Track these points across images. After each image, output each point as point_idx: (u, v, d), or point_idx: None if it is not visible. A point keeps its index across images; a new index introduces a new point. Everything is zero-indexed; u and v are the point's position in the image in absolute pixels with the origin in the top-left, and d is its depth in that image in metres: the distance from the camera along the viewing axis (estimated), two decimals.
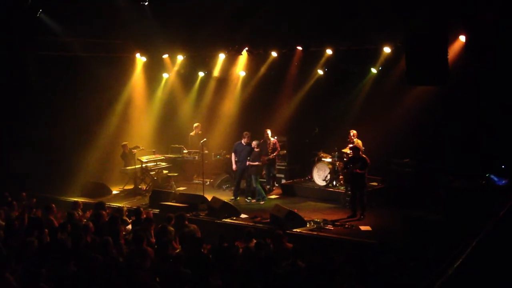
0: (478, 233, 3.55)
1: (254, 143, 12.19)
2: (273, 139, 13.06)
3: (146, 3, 12.31)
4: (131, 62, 14.82)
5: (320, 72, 13.41)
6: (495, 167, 9.98)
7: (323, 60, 12.93)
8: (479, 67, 10.36)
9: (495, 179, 9.63)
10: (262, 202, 12.07)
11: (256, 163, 12.16)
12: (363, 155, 10.81)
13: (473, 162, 10.50)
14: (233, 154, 12.53)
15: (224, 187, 13.86)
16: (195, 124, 14.52)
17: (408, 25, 9.03)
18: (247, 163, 12.15)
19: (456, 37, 10.23)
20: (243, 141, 12.30)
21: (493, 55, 9.92)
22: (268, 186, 13.24)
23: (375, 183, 12.34)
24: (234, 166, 12.54)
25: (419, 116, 11.75)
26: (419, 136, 11.80)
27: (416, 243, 7.95)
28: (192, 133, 14.50)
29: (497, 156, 10.28)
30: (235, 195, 12.43)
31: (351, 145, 11.91)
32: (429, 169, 11.46)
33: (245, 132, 12.40)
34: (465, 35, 10.15)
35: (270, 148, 12.94)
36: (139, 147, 13.85)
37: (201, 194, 12.10)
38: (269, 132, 13.03)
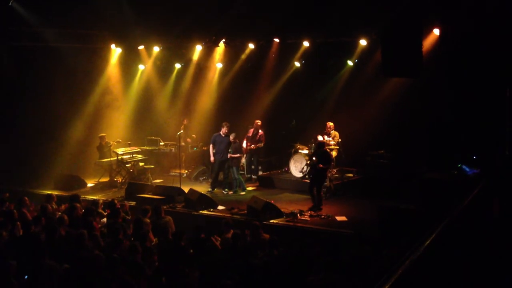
0: (444, 221, 3.66)
1: (232, 136, 12.16)
2: (260, 131, 13.10)
3: None
4: (106, 53, 14.60)
5: (297, 64, 13.45)
6: (467, 157, 10.22)
7: (300, 52, 12.97)
8: (452, 59, 10.57)
9: (467, 169, 9.86)
10: (242, 193, 12.08)
11: (238, 155, 12.16)
12: (327, 149, 10.88)
13: (446, 152, 10.72)
14: (211, 146, 12.46)
15: (201, 179, 13.83)
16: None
17: (384, 18, 9.13)
18: (229, 155, 12.10)
19: (430, 30, 10.38)
20: (221, 132, 12.25)
21: (466, 48, 10.12)
22: (248, 175, 13.31)
23: (350, 174, 12.49)
24: (212, 158, 12.47)
25: (394, 108, 11.92)
26: (394, 127, 11.97)
27: (390, 232, 8.09)
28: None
29: (469, 147, 10.52)
30: (212, 187, 12.42)
31: (329, 137, 12.01)
32: (404, 160, 11.64)
33: (224, 122, 12.35)
34: (439, 28, 10.31)
35: (257, 138, 12.98)
36: (119, 142, 13.68)
37: (178, 186, 12.05)
38: (259, 122, 13.06)
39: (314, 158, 10.86)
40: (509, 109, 8.82)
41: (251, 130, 13.17)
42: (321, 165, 10.56)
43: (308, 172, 11.87)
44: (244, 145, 13.05)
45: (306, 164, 12.38)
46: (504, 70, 9.22)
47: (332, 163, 11.62)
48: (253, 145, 13.00)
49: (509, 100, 8.82)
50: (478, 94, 10.50)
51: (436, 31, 10.40)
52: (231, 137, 12.14)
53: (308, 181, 12.30)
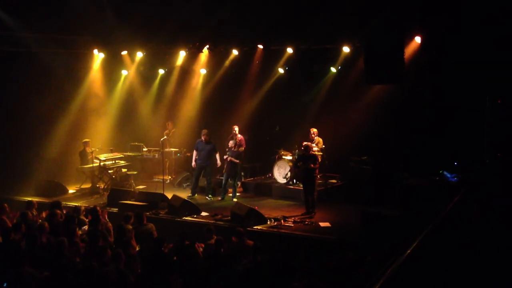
0: (426, 227, 3.70)
1: (231, 143, 12.28)
2: (239, 136, 13.09)
3: None
4: (89, 58, 14.47)
5: (281, 70, 13.50)
6: (449, 164, 10.37)
7: (284, 58, 13.03)
8: (434, 67, 10.73)
9: (448, 175, 10.00)
10: (234, 200, 12.02)
11: (237, 161, 12.16)
12: (314, 153, 10.93)
13: (428, 158, 10.85)
14: (194, 152, 12.46)
15: (184, 185, 13.76)
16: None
17: (366, 26, 9.25)
18: (228, 158, 12.16)
19: (412, 38, 10.53)
20: (202, 139, 12.27)
21: (447, 55, 10.30)
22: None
23: (334, 180, 12.55)
24: (193, 163, 12.47)
25: (377, 114, 12.03)
26: (377, 133, 12.07)
27: (373, 238, 8.14)
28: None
29: (450, 153, 10.67)
30: (193, 192, 12.39)
31: (313, 143, 12.06)
32: (386, 166, 11.74)
33: (203, 130, 12.37)
34: (420, 36, 10.46)
35: (237, 144, 12.98)
36: (101, 148, 13.53)
37: (161, 192, 11.97)
38: (236, 128, 13.04)
39: (299, 164, 10.89)
40: (489, 118, 8.97)
41: (230, 136, 13.11)
42: (312, 165, 10.60)
43: (296, 178, 11.85)
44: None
45: (290, 170, 12.43)
46: (485, 79, 9.38)
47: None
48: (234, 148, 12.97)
49: (489, 109, 8.98)
50: (459, 101, 10.67)
51: (418, 39, 10.56)
52: (230, 144, 12.21)
53: (292, 187, 12.39)
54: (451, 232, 4.42)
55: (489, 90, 9.20)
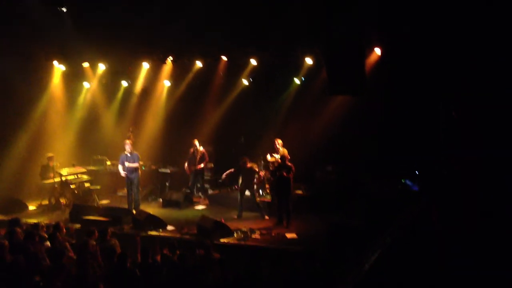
0: (387, 237, 3.77)
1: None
2: (201, 149, 13.05)
3: (64, 9, 11.81)
4: (48, 69, 14.13)
5: (245, 82, 13.56)
6: (409, 172, 10.61)
7: (248, 70, 13.09)
8: (393, 77, 11.01)
9: (410, 183, 10.23)
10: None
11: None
12: (289, 163, 11.05)
13: (390, 168, 11.07)
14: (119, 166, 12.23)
15: (149, 198, 13.57)
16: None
17: (327, 38, 9.38)
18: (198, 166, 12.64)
19: (372, 50, 10.78)
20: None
21: (406, 66, 10.58)
22: (199, 194, 13.33)
23: (300, 191, 12.62)
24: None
25: (341, 124, 12.23)
26: (341, 143, 12.24)
27: (339, 249, 8.21)
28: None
29: (410, 162, 10.93)
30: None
31: (277, 154, 12.12)
32: (351, 176, 11.91)
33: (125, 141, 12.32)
34: (380, 48, 10.72)
35: (198, 157, 12.93)
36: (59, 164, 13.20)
37: (126, 207, 11.75)
38: (196, 142, 13.02)
39: (277, 173, 10.96)
40: (443, 128, 9.24)
41: (191, 150, 13.11)
42: (285, 173, 10.69)
43: (271, 188, 11.89)
44: (185, 166, 13.02)
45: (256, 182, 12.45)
46: (440, 91, 9.67)
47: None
48: (198, 166, 12.94)
49: (443, 119, 9.25)
50: (417, 111, 10.97)
51: (378, 51, 10.82)
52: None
53: (258, 198, 12.39)
54: (413, 240, 4.51)
55: (445, 100, 9.49)
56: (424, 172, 10.37)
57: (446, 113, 9.09)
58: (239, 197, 11.64)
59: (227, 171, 11.91)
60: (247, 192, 11.85)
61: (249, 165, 11.61)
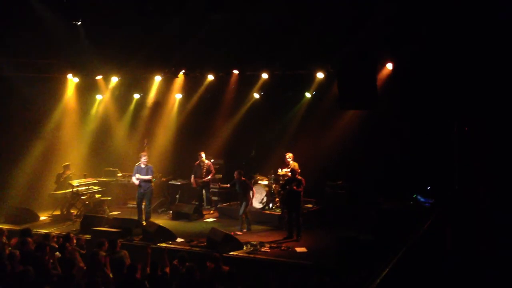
0: (399, 252, 3.74)
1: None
2: (207, 162, 13.09)
3: (79, 23, 12.02)
4: (62, 82, 14.32)
5: (256, 95, 13.61)
6: (421, 188, 10.54)
7: (259, 84, 13.16)
8: (405, 93, 11.01)
9: (422, 199, 10.15)
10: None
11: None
12: (299, 177, 11.04)
13: (402, 183, 11.01)
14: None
15: (160, 210, 13.60)
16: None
17: (340, 53, 9.45)
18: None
19: (383, 65, 10.80)
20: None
21: (417, 81, 10.58)
22: (208, 206, 13.34)
23: (310, 205, 12.57)
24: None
25: (351, 138, 12.21)
26: (352, 158, 12.22)
27: (349, 263, 8.15)
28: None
29: (423, 178, 10.86)
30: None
31: (288, 168, 12.11)
32: (361, 190, 11.85)
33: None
34: (392, 63, 10.74)
35: (205, 170, 12.97)
36: (72, 174, 13.32)
37: (136, 218, 11.79)
38: (203, 154, 13.07)
39: (287, 187, 10.93)
40: (456, 143, 9.20)
41: (196, 163, 13.16)
42: (295, 187, 10.65)
43: (281, 201, 11.83)
44: (192, 179, 13.05)
45: (266, 195, 12.45)
46: (453, 106, 9.65)
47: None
48: (204, 178, 12.97)
49: (456, 135, 9.22)
50: (430, 126, 10.94)
51: (389, 66, 10.83)
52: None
53: (268, 212, 12.38)
54: (424, 256, 4.47)
55: (457, 116, 9.46)
56: (435, 187, 10.30)
57: (459, 128, 9.06)
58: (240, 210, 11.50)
59: (224, 186, 11.76)
60: (257, 205, 11.80)
61: (243, 178, 11.49)
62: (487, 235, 6.12)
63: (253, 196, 11.69)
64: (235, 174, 11.53)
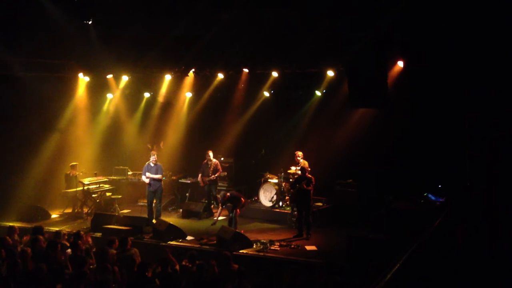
0: (409, 250, 3.71)
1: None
2: (214, 160, 13.09)
3: (90, 22, 12.09)
4: (74, 81, 14.39)
5: (266, 94, 13.60)
6: (433, 186, 10.45)
7: (269, 82, 13.14)
8: (416, 90, 10.91)
9: (433, 198, 10.06)
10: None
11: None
12: (309, 175, 11.02)
13: (412, 181, 10.92)
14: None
15: (170, 208, 13.65)
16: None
17: (350, 51, 9.39)
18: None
19: (394, 63, 10.72)
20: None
21: (428, 79, 10.49)
22: (213, 205, 13.30)
23: (320, 204, 12.54)
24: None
25: (362, 137, 12.13)
26: (362, 156, 12.14)
27: (359, 261, 8.11)
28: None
29: (434, 176, 10.77)
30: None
31: (298, 166, 12.09)
32: (372, 189, 11.79)
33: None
34: (403, 61, 10.66)
35: (212, 169, 12.97)
36: (84, 172, 13.40)
37: (146, 216, 11.85)
38: (210, 153, 13.07)
39: (297, 185, 10.91)
40: (468, 140, 9.10)
41: (204, 161, 13.15)
42: (304, 185, 10.65)
43: (290, 199, 11.81)
44: (199, 178, 13.05)
45: (276, 193, 12.43)
46: (464, 102, 9.55)
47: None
48: (211, 176, 12.95)
49: (468, 132, 9.12)
50: (441, 124, 10.83)
51: (400, 63, 10.75)
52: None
53: (278, 210, 12.37)
54: (435, 255, 4.43)
55: (469, 112, 9.36)
56: (447, 185, 10.20)
57: (471, 126, 8.97)
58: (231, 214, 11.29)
59: (224, 198, 11.48)
60: (267, 203, 11.69)
61: (235, 193, 11.54)
62: (499, 233, 6.05)
63: (243, 207, 11.52)
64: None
